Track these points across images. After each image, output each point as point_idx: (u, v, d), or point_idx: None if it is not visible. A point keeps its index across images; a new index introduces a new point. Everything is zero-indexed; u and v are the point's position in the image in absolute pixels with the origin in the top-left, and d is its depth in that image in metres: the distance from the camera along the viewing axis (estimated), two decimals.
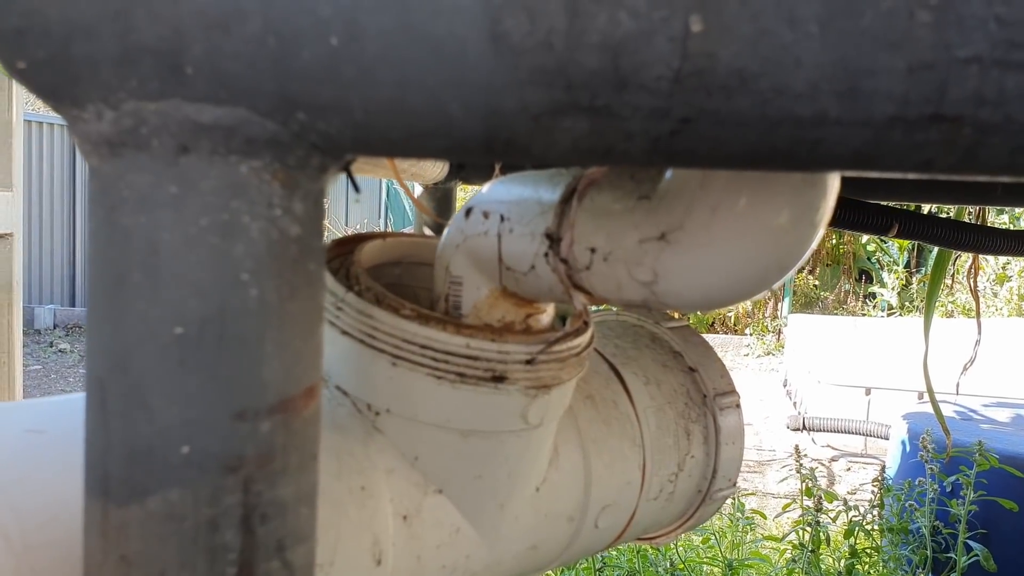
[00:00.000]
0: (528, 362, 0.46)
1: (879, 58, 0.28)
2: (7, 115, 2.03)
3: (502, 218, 0.45)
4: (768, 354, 7.96)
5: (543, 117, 0.29)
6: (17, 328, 2.08)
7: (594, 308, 0.75)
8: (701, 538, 2.61)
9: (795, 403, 5.65)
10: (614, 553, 2.56)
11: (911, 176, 0.31)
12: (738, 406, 0.65)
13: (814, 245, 0.39)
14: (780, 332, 8.16)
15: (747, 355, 8.02)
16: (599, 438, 0.57)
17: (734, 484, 0.66)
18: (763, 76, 0.28)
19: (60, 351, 6.80)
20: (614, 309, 0.71)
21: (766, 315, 8.76)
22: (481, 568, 0.51)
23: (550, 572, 2.71)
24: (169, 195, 0.29)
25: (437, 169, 1.46)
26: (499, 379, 0.46)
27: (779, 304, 8.72)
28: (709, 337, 8.31)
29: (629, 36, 0.27)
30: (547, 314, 0.50)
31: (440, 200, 1.67)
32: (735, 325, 8.80)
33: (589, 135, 0.29)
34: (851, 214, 1.12)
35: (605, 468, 0.56)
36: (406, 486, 0.47)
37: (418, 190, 1.71)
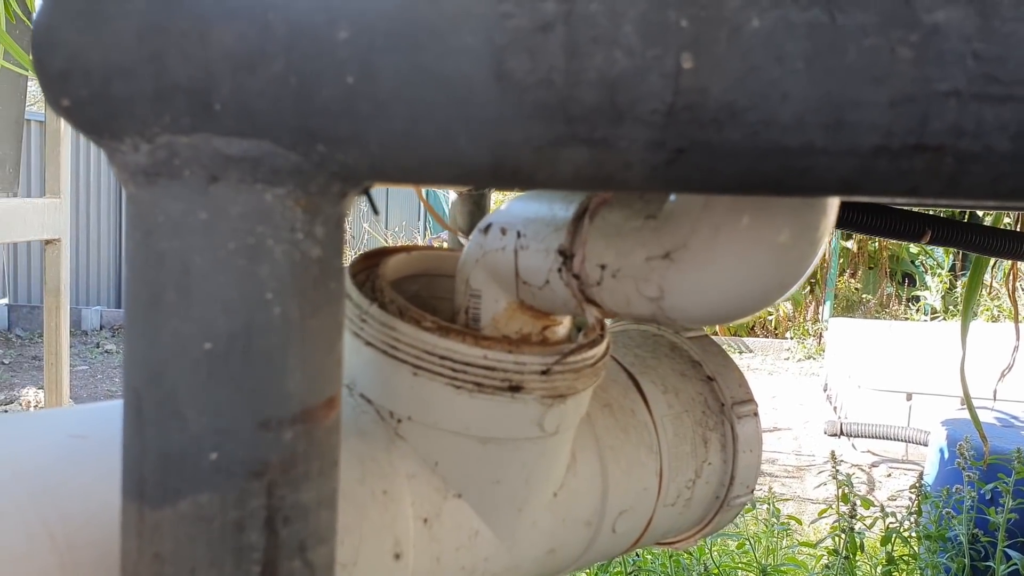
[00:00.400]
0: (544, 372, 0.48)
1: (863, 92, 0.29)
2: (55, 124, 2.10)
3: (519, 235, 0.47)
4: (809, 358, 7.89)
5: (545, 148, 0.31)
6: (65, 330, 2.14)
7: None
8: (736, 543, 2.61)
9: (835, 408, 5.60)
10: (648, 557, 2.57)
11: (901, 200, 0.33)
12: (756, 414, 0.67)
13: (815, 263, 0.40)
14: (821, 336, 8.08)
15: (787, 359, 7.95)
16: (616, 445, 0.58)
17: (752, 491, 0.67)
18: (752, 109, 0.29)
19: (106, 352, 6.94)
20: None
21: (807, 318, 8.68)
22: (500, 571, 0.53)
23: (583, 575, 2.72)
24: (200, 221, 0.31)
25: None
26: (515, 389, 0.48)
27: (820, 308, 8.64)
28: (750, 341, 8.26)
29: (624, 73, 0.29)
30: (563, 326, 0.52)
31: (474, 206, 1.69)
32: (776, 329, 8.73)
33: (589, 164, 0.31)
34: (883, 220, 1.12)
35: (622, 474, 0.58)
36: (426, 490, 0.49)
37: (452, 196, 1.74)
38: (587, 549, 0.59)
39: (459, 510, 0.50)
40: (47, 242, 2.10)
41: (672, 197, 0.41)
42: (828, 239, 0.40)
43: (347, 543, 0.45)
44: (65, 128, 2.14)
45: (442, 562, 0.50)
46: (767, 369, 7.44)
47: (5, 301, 7.82)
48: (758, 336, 8.65)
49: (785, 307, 8.58)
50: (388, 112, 0.30)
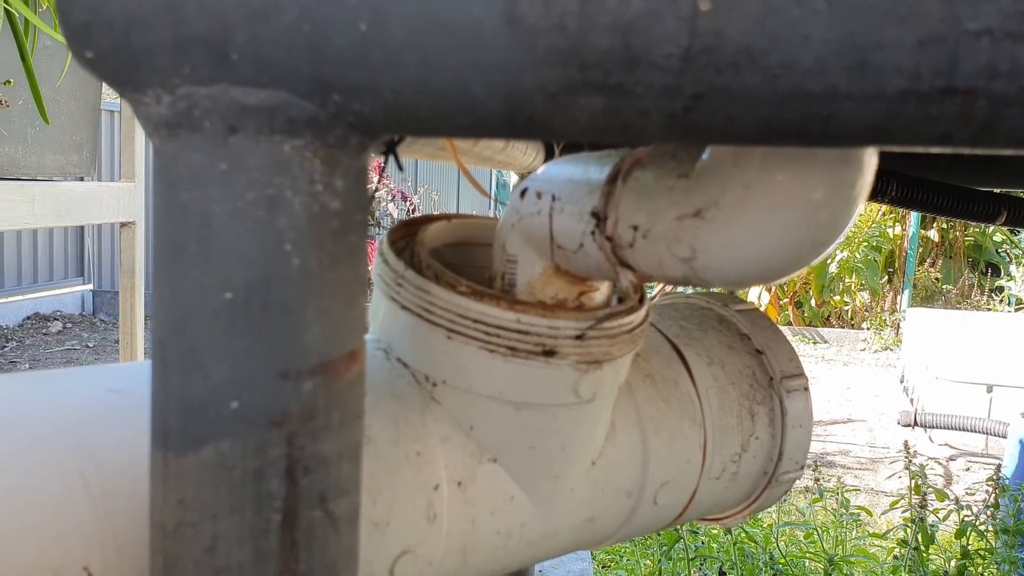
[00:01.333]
0: (578, 337, 0.48)
1: (887, 32, 0.28)
2: (130, 110, 2.15)
3: (553, 198, 0.47)
4: (885, 349, 7.69)
5: (560, 95, 0.30)
6: (140, 310, 2.21)
7: (676, 289, 0.76)
8: (804, 533, 2.56)
9: (912, 400, 5.45)
10: (713, 546, 2.54)
11: (935, 150, 0.31)
12: (806, 389, 0.65)
13: (851, 222, 0.39)
14: (898, 326, 7.87)
15: (863, 350, 7.76)
16: (658, 416, 0.58)
17: (802, 467, 0.65)
18: (771, 52, 0.29)
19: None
20: (680, 290, 0.71)
21: (884, 308, 8.46)
22: (537, 537, 0.53)
23: (649, 562, 2.70)
24: (219, 172, 0.32)
25: (529, 158, 1.48)
26: (549, 353, 0.48)
27: (898, 297, 8.41)
28: (824, 331, 8.08)
29: (639, 16, 0.29)
30: (601, 292, 0.51)
31: None
32: (852, 319, 8.53)
33: (605, 112, 0.30)
34: (955, 202, 1.08)
35: (663, 445, 0.57)
36: (461, 454, 0.49)
37: (513, 178, 1.74)
38: (628, 520, 0.58)
39: (494, 475, 0.50)
40: (123, 225, 2.17)
41: (705, 155, 0.40)
42: (863, 199, 0.39)
43: (380, 503, 0.45)
44: None
45: (477, 525, 0.50)
46: (842, 360, 7.28)
47: (90, 287, 8.10)
48: (833, 326, 8.46)
49: (862, 297, 8.37)
50: (400, 59, 0.30)
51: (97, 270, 8.25)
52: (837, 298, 8.38)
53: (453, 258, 0.58)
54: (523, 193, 0.49)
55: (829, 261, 7.79)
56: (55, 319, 7.59)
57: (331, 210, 0.33)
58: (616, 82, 0.30)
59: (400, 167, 0.39)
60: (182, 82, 0.31)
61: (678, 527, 2.38)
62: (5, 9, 1.23)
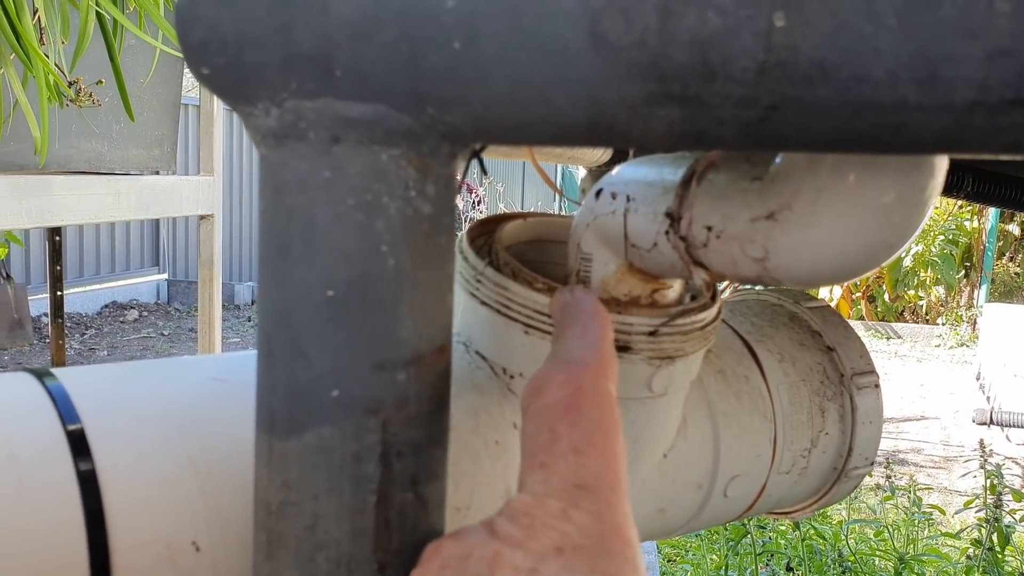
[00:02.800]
0: (651, 334, 0.50)
1: (957, 46, 0.29)
2: (209, 106, 2.23)
3: (628, 198, 0.49)
4: (961, 345, 7.50)
5: (639, 107, 0.32)
6: (217, 301, 2.28)
7: (744, 287, 0.77)
8: (874, 531, 2.53)
9: (988, 397, 5.31)
10: (781, 542, 2.53)
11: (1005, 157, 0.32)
12: (877, 386, 0.66)
13: (922, 224, 0.40)
14: (975, 322, 7.66)
15: (938, 346, 7.58)
16: (729, 411, 0.59)
17: (871, 463, 0.66)
18: (843, 66, 0.30)
19: (256, 325, 7.30)
20: (751, 287, 0.72)
21: (960, 304, 8.25)
22: None
23: (715, 557, 2.70)
24: (323, 179, 0.34)
25: (598, 153, 1.50)
26: (623, 349, 0.50)
27: (975, 292, 8.19)
28: (898, 326, 7.92)
29: (716, 32, 0.30)
30: (673, 290, 0.53)
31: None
32: (926, 314, 8.34)
33: (682, 122, 0.32)
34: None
35: (734, 439, 0.59)
36: None
37: (582, 172, 1.75)
38: (698, 512, 0.60)
39: None
40: (202, 217, 2.24)
41: (778, 159, 0.42)
42: (934, 201, 0.40)
43: (462, 488, 0.48)
44: (218, 109, 2.27)
45: None
46: (916, 356, 7.12)
47: (164, 276, 8.34)
48: (907, 322, 8.28)
49: (937, 292, 8.17)
50: (490, 74, 0.32)
51: (172, 260, 8.50)
52: (911, 292, 8.20)
53: (529, 255, 0.60)
54: (598, 193, 0.51)
55: (903, 255, 7.62)
56: (131, 307, 7.84)
57: (423, 214, 0.36)
58: (694, 94, 0.31)
59: (484, 172, 0.41)
60: (290, 96, 0.34)
61: (745, 522, 2.38)
62: (96, 12, 1.29)
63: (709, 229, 0.44)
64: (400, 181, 0.35)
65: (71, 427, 0.40)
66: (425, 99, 0.33)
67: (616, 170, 0.51)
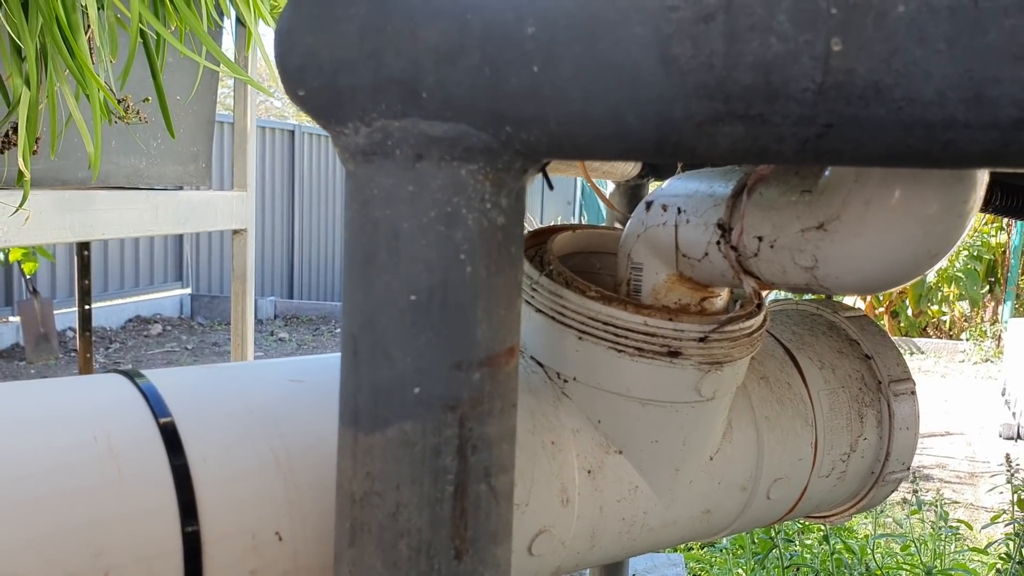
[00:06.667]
0: (701, 340, 0.52)
1: (1003, 69, 0.32)
2: (243, 122, 2.28)
3: (679, 210, 0.51)
4: (986, 361, 7.44)
5: (705, 124, 0.35)
6: (249, 314, 2.32)
7: (774, 296, 0.79)
8: (901, 545, 2.52)
9: (1014, 413, 5.27)
10: (808, 556, 2.53)
11: None
12: (913, 393, 0.68)
13: (963, 235, 0.42)
14: (1000, 338, 7.61)
15: (962, 361, 7.53)
16: (772, 416, 0.61)
17: (908, 468, 0.68)
18: (896, 87, 0.32)
19: (280, 340, 7.34)
20: (790, 296, 0.74)
21: (985, 319, 8.19)
22: (658, 525, 0.57)
23: (742, 572, 2.70)
24: (407, 192, 0.37)
25: (628, 167, 1.52)
26: (674, 354, 0.52)
27: (999, 308, 8.13)
28: (921, 342, 7.87)
29: (778, 56, 0.33)
30: (721, 298, 0.55)
31: (630, 196, 1.73)
32: (950, 329, 8.29)
33: (745, 138, 0.35)
34: None
35: (777, 443, 0.61)
36: (590, 445, 0.54)
37: (610, 187, 1.78)
38: (742, 513, 0.62)
39: (620, 465, 0.55)
40: (235, 232, 2.29)
41: (827, 172, 0.44)
42: (976, 213, 0.42)
43: (520, 486, 0.50)
44: (251, 127, 2.32)
45: (604, 512, 0.54)
46: (940, 372, 7.07)
47: (188, 291, 8.42)
48: (930, 337, 8.23)
49: (961, 307, 8.12)
50: (566, 95, 0.35)
51: (195, 275, 8.57)
52: (935, 308, 8.15)
53: (577, 266, 0.63)
54: (648, 205, 0.54)
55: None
56: (155, 322, 7.91)
57: (497, 224, 0.38)
58: (756, 113, 0.34)
59: (550, 186, 0.44)
60: (379, 116, 0.37)
61: (773, 535, 2.38)
62: (141, 29, 1.33)
63: (760, 239, 0.46)
64: (477, 194, 0.37)
65: (164, 423, 0.43)
66: (504, 118, 0.36)
67: (665, 184, 0.54)
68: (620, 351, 0.52)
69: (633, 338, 0.52)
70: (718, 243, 0.48)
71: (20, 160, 1.08)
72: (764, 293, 0.53)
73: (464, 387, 0.38)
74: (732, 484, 0.60)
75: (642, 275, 0.54)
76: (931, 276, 7.75)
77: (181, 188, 2.19)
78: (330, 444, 0.42)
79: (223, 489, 0.42)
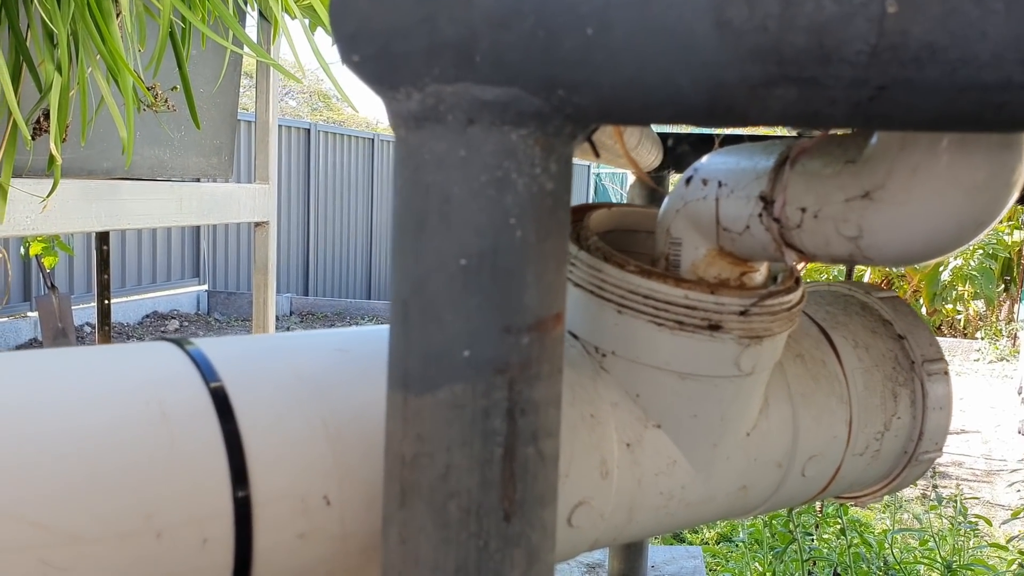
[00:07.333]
0: (742, 313, 0.52)
1: None
2: (265, 116, 2.29)
3: (720, 184, 0.51)
4: (1001, 359, 7.40)
5: (758, 88, 0.35)
6: (271, 306, 2.33)
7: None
8: (919, 540, 2.51)
9: None
10: (825, 550, 2.52)
11: None
12: (946, 374, 0.68)
13: (1009, 204, 0.42)
14: (1015, 336, 7.56)
15: (977, 360, 7.49)
16: (807, 393, 0.61)
17: (940, 449, 0.68)
18: (951, 48, 0.33)
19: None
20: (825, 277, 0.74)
21: (1000, 318, 8.15)
22: (695, 500, 0.58)
23: (758, 566, 2.70)
24: (459, 157, 0.37)
25: (651, 157, 1.53)
26: (714, 328, 0.52)
27: (1015, 306, 8.08)
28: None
29: (832, 18, 0.33)
30: (760, 273, 0.56)
31: (650, 189, 1.73)
32: (964, 328, 8.24)
33: (797, 101, 0.35)
34: None
35: (812, 420, 0.61)
36: (629, 419, 0.54)
37: (629, 179, 1.78)
38: (777, 490, 0.62)
39: (658, 439, 0.55)
40: (257, 224, 2.30)
41: (872, 141, 0.44)
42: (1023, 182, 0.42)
43: (561, 457, 0.50)
44: (273, 120, 2.33)
45: (643, 485, 0.54)
46: (955, 370, 7.04)
47: (205, 287, 8.46)
48: (945, 335, 8.19)
49: (976, 306, 8.08)
50: (620, 59, 0.35)
51: (212, 271, 8.61)
52: (950, 307, 8.11)
53: (612, 243, 0.63)
54: (688, 180, 0.54)
55: (941, 268, 7.55)
56: (172, 317, 7.95)
57: (547, 190, 0.39)
58: (810, 75, 0.34)
59: (597, 154, 0.44)
60: (431, 81, 0.37)
61: (792, 528, 2.38)
62: (170, 20, 1.34)
63: (803, 210, 0.47)
64: (527, 159, 0.38)
65: (215, 389, 0.43)
66: (556, 82, 0.36)
67: (705, 159, 0.54)
68: (660, 324, 0.52)
69: (673, 311, 0.52)
70: (760, 215, 0.48)
71: (52, 145, 1.09)
72: (800, 266, 0.54)
73: (513, 351, 0.39)
74: (768, 461, 0.60)
75: (681, 250, 0.55)
76: (946, 275, 7.71)
77: (198, 180, 2.20)
78: (375, 412, 0.42)
79: (273, 453, 0.43)
